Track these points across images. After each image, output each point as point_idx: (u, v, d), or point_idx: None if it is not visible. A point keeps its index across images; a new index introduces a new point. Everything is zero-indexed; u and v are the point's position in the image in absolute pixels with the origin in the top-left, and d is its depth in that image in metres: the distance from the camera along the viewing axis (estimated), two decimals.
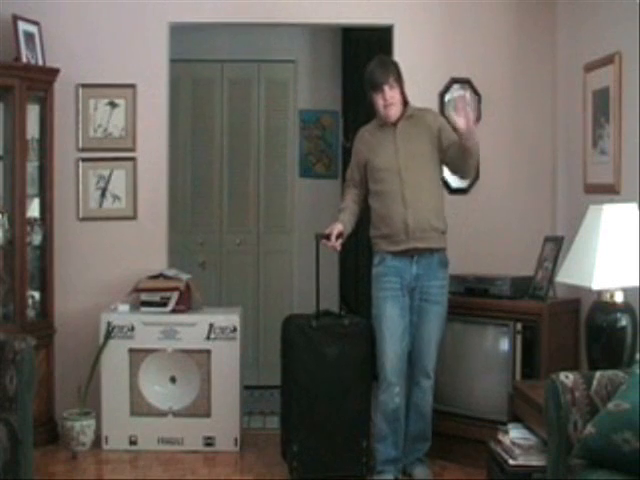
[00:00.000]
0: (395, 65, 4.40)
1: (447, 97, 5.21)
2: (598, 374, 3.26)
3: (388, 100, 4.31)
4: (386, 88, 4.30)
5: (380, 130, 4.42)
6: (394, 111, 4.34)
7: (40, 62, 5.05)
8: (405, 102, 4.40)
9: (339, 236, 4.40)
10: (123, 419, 4.92)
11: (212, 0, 5.23)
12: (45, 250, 5.11)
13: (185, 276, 5.13)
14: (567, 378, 3.22)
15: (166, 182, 5.35)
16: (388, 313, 4.33)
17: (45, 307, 5.11)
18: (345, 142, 6.59)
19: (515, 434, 3.79)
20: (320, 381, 4.40)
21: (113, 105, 5.23)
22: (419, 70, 4.67)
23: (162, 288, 5.02)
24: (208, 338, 4.90)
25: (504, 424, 3.97)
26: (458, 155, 4.25)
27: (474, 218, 4.85)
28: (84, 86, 5.21)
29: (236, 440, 4.93)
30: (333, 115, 6.68)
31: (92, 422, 4.90)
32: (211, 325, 4.90)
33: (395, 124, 4.37)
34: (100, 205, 5.26)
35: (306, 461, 4.40)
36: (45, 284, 5.11)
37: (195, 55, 6.36)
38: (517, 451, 3.70)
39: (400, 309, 4.32)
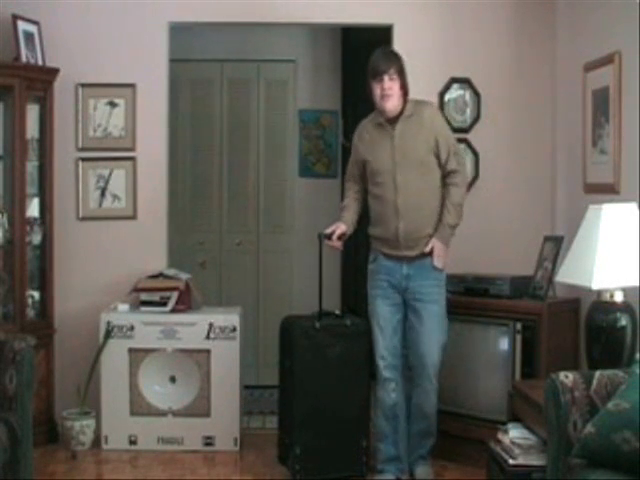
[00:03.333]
0: (399, 58, 4.32)
1: (447, 97, 5.22)
2: (598, 374, 3.26)
3: (386, 90, 4.23)
4: (386, 78, 4.23)
5: (378, 129, 4.35)
6: (391, 104, 4.25)
7: (40, 62, 5.05)
8: (405, 100, 4.32)
9: (341, 236, 4.39)
10: (123, 419, 4.92)
11: (212, 0, 5.24)
12: (45, 250, 5.11)
13: (185, 276, 5.13)
14: (567, 378, 3.22)
15: (166, 182, 5.35)
16: (379, 310, 4.34)
17: (45, 307, 5.11)
18: (345, 142, 6.59)
19: (515, 434, 3.78)
20: (322, 382, 4.40)
21: (113, 105, 5.23)
22: (419, 70, 4.67)
23: (162, 288, 5.02)
24: (208, 338, 4.90)
25: (504, 424, 3.97)
26: None
27: (474, 218, 4.84)
28: (84, 86, 5.21)
29: (236, 440, 4.93)
30: (333, 115, 6.68)
31: (92, 422, 4.91)
32: (211, 325, 4.90)
33: (393, 124, 4.30)
34: (100, 205, 5.27)
35: (308, 463, 4.40)
36: (45, 284, 5.11)
37: (195, 55, 6.36)
38: (517, 451, 3.70)
39: (390, 306, 4.32)
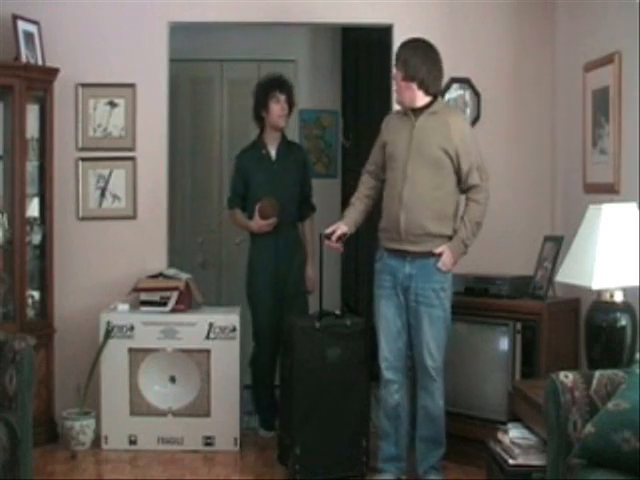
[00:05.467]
0: (407, 49, 4.23)
1: (447, 97, 5.21)
2: (598, 374, 3.26)
3: (394, 79, 4.27)
4: (395, 71, 4.25)
5: (402, 117, 4.31)
6: (398, 97, 4.26)
7: (40, 62, 5.05)
8: (434, 95, 4.25)
9: (342, 237, 4.37)
10: (123, 419, 4.92)
11: (212, 0, 5.24)
12: (45, 250, 5.11)
13: (185, 276, 5.13)
14: (567, 378, 3.22)
15: (166, 182, 5.36)
16: (382, 311, 4.31)
17: (45, 307, 5.11)
18: (345, 142, 6.60)
19: (515, 434, 3.79)
20: (322, 382, 4.40)
21: (113, 105, 5.23)
22: None
23: (162, 288, 5.02)
24: (208, 338, 4.90)
25: (504, 424, 3.97)
26: None
27: None
28: (84, 86, 5.22)
29: (236, 440, 4.93)
30: (333, 115, 6.67)
31: (92, 422, 4.91)
32: (211, 325, 4.90)
33: (417, 115, 4.24)
34: (100, 205, 5.27)
35: (308, 463, 4.40)
36: (45, 284, 5.12)
37: (195, 55, 6.35)
38: (517, 451, 3.70)
39: (394, 308, 4.28)
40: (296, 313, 4.86)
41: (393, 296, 4.29)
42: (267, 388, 5.22)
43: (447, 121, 4.22)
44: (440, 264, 4.21)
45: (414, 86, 4.21)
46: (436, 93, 4.29)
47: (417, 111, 4.25)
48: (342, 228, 4.37)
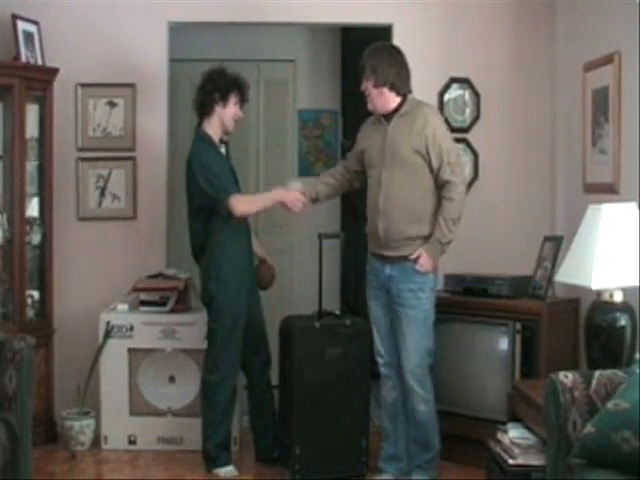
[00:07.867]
0: (374, 55, 4.26)
1: (446, 97, 5.22)
2: (597, 373, 3.26)
3: (364, 90, 4.28)
4: (363, 79, 4.27)
5: (376, 123, 4.34)
6: (371, 105, 4.28)
7: (39, 61, 5.05)
8: (404, 97, 4.24)
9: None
10: (122, 419, 4.92)
11: (212, 0, 5.24)
12: (44, 250, 5.11)
13: (184, 275, 5.13)
14: (566, 377, 3.22)
15: (166, 182, 5.35)
16: (373, 311, 4.38)
17: (44, 307, 5.11)
18: (344, 141, 6.59)
19: (514, 434, 3.78)
20: (322, 382, 4.40)
21: (112, 105, 5.23)
22: (418, 69, 4.66)
23: (161, 288, 5.02)
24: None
25: (503, 424, 3.97)
26: None
27: (473, 217, 4.84)
28: (83, 85, 5.22)
29: (235, 440, 4.92)
30: (332, 115, 6.68)
31: (91, 422, 4.91)
32: None
33: (389, 120, 4.25)
34: (99, 205, 5.27)
35: (308, 463, 4.40)
36: (44, 284, 5.12)
37: (195, 55, 6.35)
38: (516, 451, 3.70)
39: (382, 307, 4.33)
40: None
41: (380, 296, 4.33)
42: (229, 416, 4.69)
43: (417, 119, 4.20)
44: (418, 266, 4.20)
45: (385, 90, 4.22)
46: (406, 93, 4.28)
47: (389, 115, 4.26)
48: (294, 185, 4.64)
